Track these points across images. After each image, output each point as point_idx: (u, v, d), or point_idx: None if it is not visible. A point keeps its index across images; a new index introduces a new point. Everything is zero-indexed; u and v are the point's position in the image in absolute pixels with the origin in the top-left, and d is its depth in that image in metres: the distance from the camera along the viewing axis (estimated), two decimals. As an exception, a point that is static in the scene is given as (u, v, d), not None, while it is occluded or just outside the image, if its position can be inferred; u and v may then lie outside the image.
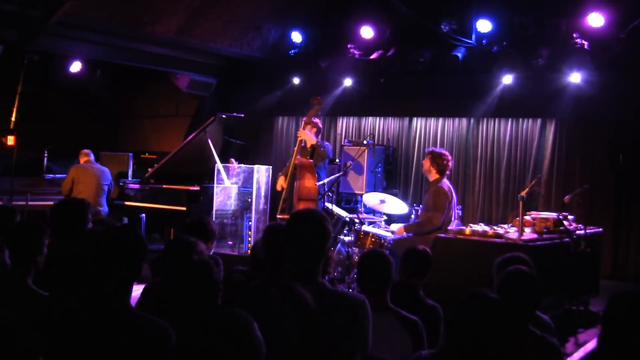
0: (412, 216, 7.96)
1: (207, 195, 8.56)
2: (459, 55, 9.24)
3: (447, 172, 7.19)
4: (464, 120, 10.00)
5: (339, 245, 7.49)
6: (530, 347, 3.14)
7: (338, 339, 2.70)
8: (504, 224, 7.24)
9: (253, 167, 8.79)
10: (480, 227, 6.61)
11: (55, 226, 4.08)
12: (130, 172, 10.19)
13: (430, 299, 4.28)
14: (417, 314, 3.71)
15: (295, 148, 8.41)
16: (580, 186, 7.86)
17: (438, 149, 7.34)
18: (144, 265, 2.81)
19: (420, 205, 7.60)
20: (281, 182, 8.43)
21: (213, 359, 1.83)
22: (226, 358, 1.83)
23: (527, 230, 6.53)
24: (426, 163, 7.21)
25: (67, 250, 3.69)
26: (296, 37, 10.57)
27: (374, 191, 8.93)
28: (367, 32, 9.87)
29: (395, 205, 7.93)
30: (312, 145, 8.17)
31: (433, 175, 7.15)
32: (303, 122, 8.42)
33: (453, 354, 2.61)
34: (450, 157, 7.24)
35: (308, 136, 8.19)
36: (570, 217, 7.07)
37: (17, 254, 3.27)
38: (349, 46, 10.10)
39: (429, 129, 10.28)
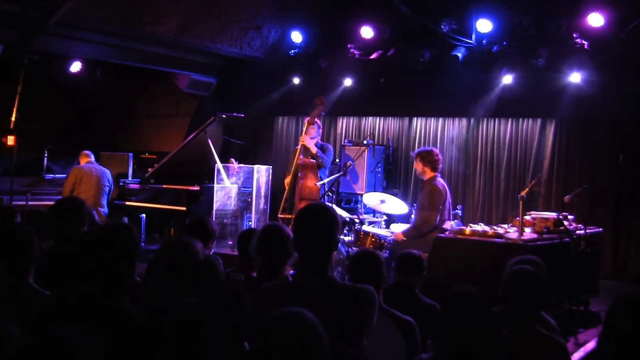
0: (412, 216, 7.96)
1: (207, 195, 8.55)
2: (459, 55, 9.22)
3: (440, 166, 7.21)
4: (464, 120, 9.99)
5: (339, 245, 7.48)
6: (537, 347, 3.14)
7: (348, 332, 2.71)
8: (504, 224, 7.24)
9: (253, 167, 8.79)
10: (480, 227, 6.62)
11: (54, 226, 4.08)
12: (130, 172, 10.18)
13: (430, 298, 4.29)
14: (415, 313, 3.73)
15: (297, 148, 8.40)
16: (580, 186, 7.86)
17: (424, 148, 7.37)
18: (143, 265, 2.81)
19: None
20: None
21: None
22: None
23: (527, 230, 6.53)
24: (418, 165, 7.20)
25: (67, 250, 3.68)
26: (296, 37, 10.56)
27: (374, 191, 8.93)
28: (367, 32, 9.86)
29: (395, 205, 7.93)
30: (312, 154, 8.20)
31: (428, 174, 7.16)
32: (306, 122, 8.40)
33: (447, 355, 2.62)
34: (438, 151, 7.28)
35: (309, 145, 8.20)
36: (570, 217, 7.07)
37: (16, 255, 3.28)
38: (349, 46, 10.09)
39: (429, 129, 10.28)
